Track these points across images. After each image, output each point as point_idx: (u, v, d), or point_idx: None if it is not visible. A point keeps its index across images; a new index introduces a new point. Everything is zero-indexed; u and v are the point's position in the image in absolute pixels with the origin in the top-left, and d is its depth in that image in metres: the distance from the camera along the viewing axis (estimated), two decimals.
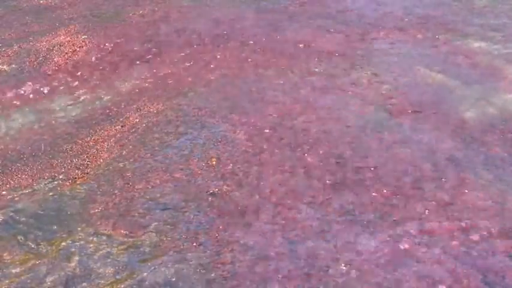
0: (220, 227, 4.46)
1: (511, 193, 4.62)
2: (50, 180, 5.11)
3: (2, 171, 5.26)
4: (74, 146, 5.60)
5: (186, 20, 8.24)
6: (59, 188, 4.99)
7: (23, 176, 5.16)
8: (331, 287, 3.87)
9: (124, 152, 5.42)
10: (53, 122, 6.10)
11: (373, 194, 4.69)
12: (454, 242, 4.19)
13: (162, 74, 6.89)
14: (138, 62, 7.15)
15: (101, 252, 4.30)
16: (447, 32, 7.56)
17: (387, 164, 5.07)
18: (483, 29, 7.60)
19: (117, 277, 4.06)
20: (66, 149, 5.57)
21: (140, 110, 6.13)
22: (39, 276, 4.08)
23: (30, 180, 5.08)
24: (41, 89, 6.77)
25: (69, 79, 6.94)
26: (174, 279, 3.99)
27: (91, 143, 5.63)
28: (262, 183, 4.91)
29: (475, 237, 4.18)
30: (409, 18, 8.00)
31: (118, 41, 7.62)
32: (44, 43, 7.65)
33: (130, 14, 8.61)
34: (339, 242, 4.24)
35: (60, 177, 5.13)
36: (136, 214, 4.65)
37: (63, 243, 4.39)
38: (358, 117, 5.76)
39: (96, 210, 4.72)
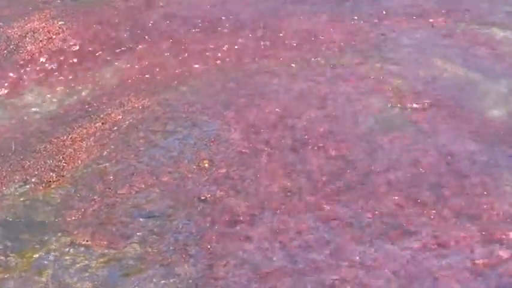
0: (213, 238, 4.45)
1: None
2: (21, 183, 5.10)
3: None
4: (49, 146, 5.58)
5: (175, 4, 8.24)
6: (31, 193, 4.98)
7: None
8: None
9: (105, 153, 5.41)
10: (25, 118, 6.09)
11: (385, 201, 4.69)
12: (476, 257, 4.18)
13: (149, 65, 6.87)
14: (121, 52, 7.16)
15: (78, 265, 4.28)
16: (468, 19, 7.57)
17: (401, 167, 5.07)
18: (509, 17, 7.61)
19: None
20: (40, 148, 5.55)
21: (123, 105, 6.12)
22: None
23: None
24: (12, 81, 6.76)
25: (44, 70, 6.93)
26: None
27: (68, 143, 5.62)
28: (260, 188, 4.90)
29: (502, 252, 4.19)
30: (426, 4, 8.01)
31: (99, 27, 7.61)
32: (16, 29, 7.64)
33: None
34: (345, 257, 4.24)
35: (33, 180, 5.12)
36: (118, 222, 4.64)
37: (35, 255, 4.37)
38: (369, 115, 5.74)
39: (73, 218, 4.71)
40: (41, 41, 7.37)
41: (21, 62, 7.04)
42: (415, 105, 5.90)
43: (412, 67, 6.57)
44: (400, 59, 6.73)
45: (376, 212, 4.60)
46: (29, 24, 7.73)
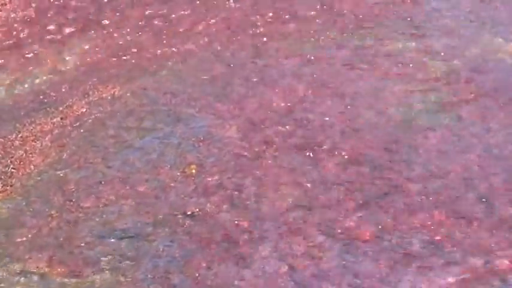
0: (203, 264, 4.44)
1: None
2: None
3: None
4: None
5: None
6: None
7: None
8: None
9: (65, 156, 5.42)
10: None
11: (420, 217, 4.71)
12: None
13: (121, 44, 6.91)
14: (85, 27, 7.18)
15: None
16: None
17: (438, 174, 5.07)
18: None
19: None
20: None
21: (88, 95, 6.12)
22: None
23: None
24: None
25: None
26: None
27: (17, 143, 5.64)
28: (261, 201, 4.90)
29: None
30: None
31: None
32: None
33: None
34: None
35: None
36: (82, 244, 4.63)
37: None
38: (399, 108, 5.73)
39: (25, 239, 4.70)
40: None
41: None
42: (458, 95, 5.91)
43: (457, 46, 6.57)
44: (440, 36, 6.73)
45: (409, 232, 4.60)
46: None
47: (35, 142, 5.60)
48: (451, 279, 4.25)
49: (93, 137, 5.59)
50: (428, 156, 5.24)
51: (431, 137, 5.43)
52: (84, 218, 4.83)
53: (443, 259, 4.38)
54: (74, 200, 4.99)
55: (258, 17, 7.16)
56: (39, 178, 5.20)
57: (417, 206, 4.79)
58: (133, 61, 6.57)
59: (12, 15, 7.32)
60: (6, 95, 6.29)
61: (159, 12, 7.31)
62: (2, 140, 5.69)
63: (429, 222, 4.65)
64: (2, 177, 5.26)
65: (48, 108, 6.00)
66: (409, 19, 7.02)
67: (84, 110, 5.91)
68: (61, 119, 5.85)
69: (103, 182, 5.11)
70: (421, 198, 4.85)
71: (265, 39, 6.80)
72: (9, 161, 5.44)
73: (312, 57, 6.47)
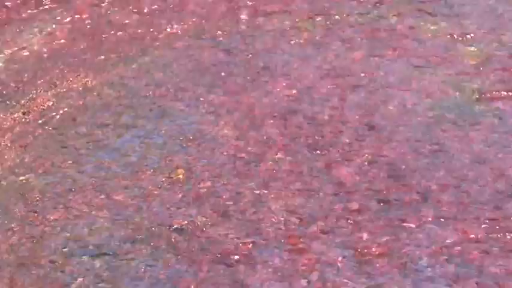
0: (192, 287, 4.43)
1: None
2: None
3: None
4: None
5: None
6: None
7: None
8: None
9: (28, 158, 5.42)
10: None
11: (452, 232, 4.68)
12: None
13: (95, 24, 6.90)
14: (53, 4, 7.16)
15: None
16: None
17: (474, 179, 5.05)
18: None
19: None
20: None
21: (55, 85, 6.13)
22: None
23: None
24: None
25: None
26: None
27: None
28: (262, 211, 4.88)
29: None
30: None
31: None
32: None
33: None
34: None
35: None
36: (48, 263, 4.60)
37: None
38: (427, 101, 5.75)
39: None
40: None
41: None
42: (498, 87, 5.91)
43: (500, 25, 6.61)
44: (476, 15, 6.77)
45: (439, 250, 4.57)
46: None
47: None
48: None
49: (62, 135, 5.59)
50: (463, 158, 5.25)
51: (465, 135, 5.44)
52: (51, 232, 4.82)
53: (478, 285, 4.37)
54: (38, 211, 4.97)
55: None
56: None
57: (449, 219, 4.77)
58: (110, 45, 6.53)
59: None
60: None
61: None
62: None
63: (463, 239, 4.64)
64: None
65: (7, 102, 6.02)
66: None
67: (51, 103, 5.91)
68: (23, 114, 5.85)
69: (73, 190, 5.10)
70: (453, 209, 4.84)
71: (266, 17, 6.80)
72: None
73: (323, 39, 6.50)
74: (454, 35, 6.53)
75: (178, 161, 5.29)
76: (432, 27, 6.65)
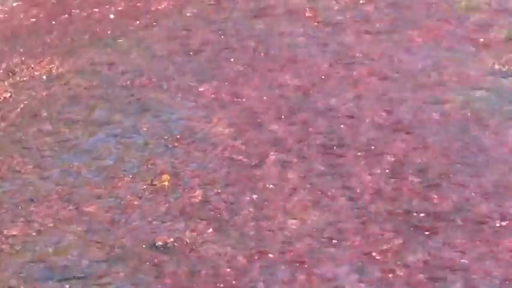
0: None
1: None
2: None
3: None
4: None
5: None
6: None
7: None
8: None
9: None
10: None
11: (493, 247, 4.66)
12: None
13: (62, 0, 6.90)
14: None
15: None
16: None
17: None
18: None
19: None
20: None
21: (14, 73, 6.19)
22: None
23: None
24: None
25: None
26: None
27: None
28: (264, 226, 4.86)
29: None
30: None
31: None
32: None
33: None
34: None
35: None
36: None
37: None
38: (461, 95, 5.83)
39: None
40: None
41: None
42: None
43: None
44: None
45: (479, 269, 4.55)
46: None
47: None
48: None
49: (21, 133, 5.59)
50: (504, 163, 5.31)
51: (507, 137, 5.52)
52: (9, 251, 4.79)
53: None
54: None
55: None
56: None
57: (489, 232, 4.79)
58: (79, 25, 6.56)
59: None
60: None
61: None
62: None
63: (506, 255, 4.65)
64: None
65: None
66: None
67: (8, 95, 5.95)
68: None
69: (36, 200, 5.09)
70: (494, 221, 4.86)
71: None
72: None
73: (336, 21, 6.57)
74: (494, 11, 6.64)
75: (162, 165, 5.30)
76: (466, 2, 6.69)
